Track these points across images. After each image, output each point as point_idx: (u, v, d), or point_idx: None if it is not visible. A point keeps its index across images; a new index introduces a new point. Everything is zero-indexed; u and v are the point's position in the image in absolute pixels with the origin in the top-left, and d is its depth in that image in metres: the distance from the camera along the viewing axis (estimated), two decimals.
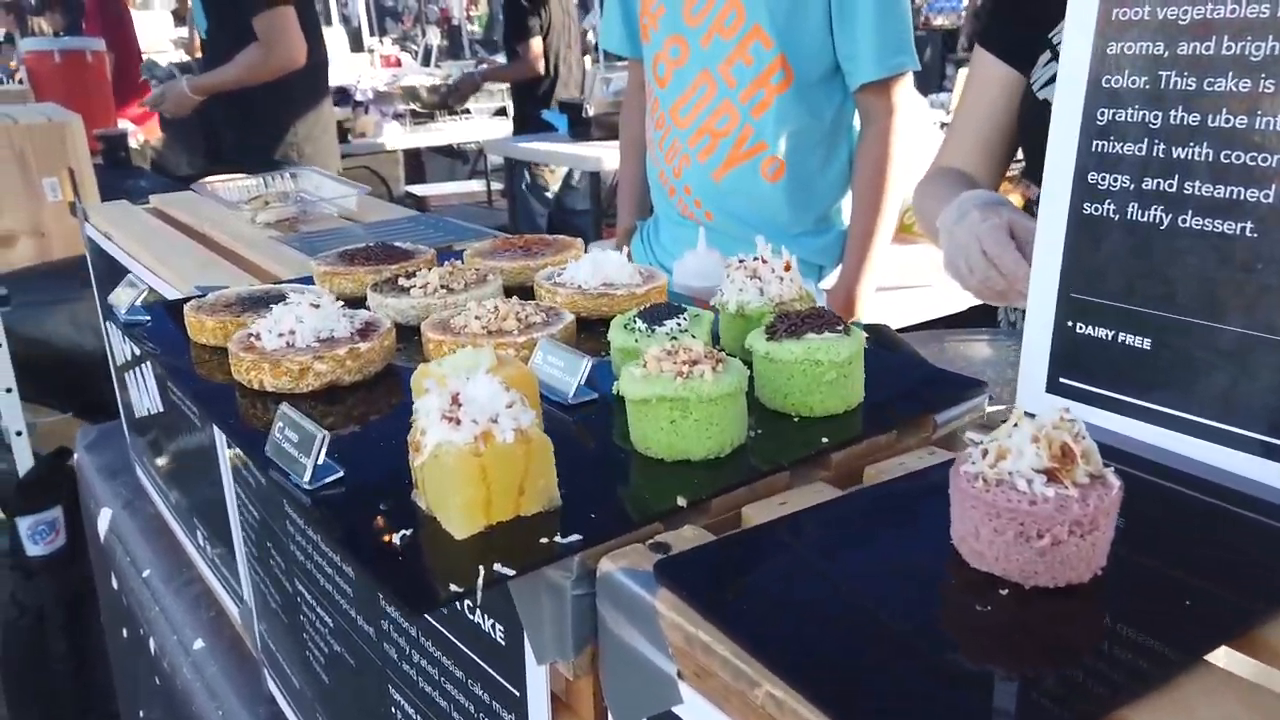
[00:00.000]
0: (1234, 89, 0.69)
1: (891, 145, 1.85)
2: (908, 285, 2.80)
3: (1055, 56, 1.48)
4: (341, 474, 0.74)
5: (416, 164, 7.60)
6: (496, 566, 0.62)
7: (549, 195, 5.04)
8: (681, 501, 0.70)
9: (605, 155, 4.06)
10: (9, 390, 2.89)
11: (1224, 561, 0.63)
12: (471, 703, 0.78)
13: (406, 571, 0.64)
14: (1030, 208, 1.74)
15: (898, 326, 2.88)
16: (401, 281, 1.10)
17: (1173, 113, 0.73)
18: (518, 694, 0.72)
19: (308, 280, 1.26)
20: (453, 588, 0.61)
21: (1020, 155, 1.68)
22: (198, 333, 1.04)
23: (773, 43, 1.77)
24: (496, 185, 6.69)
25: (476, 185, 7.27)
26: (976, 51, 1.61)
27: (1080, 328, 0.81)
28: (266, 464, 0.78)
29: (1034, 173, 1.73)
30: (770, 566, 0.63)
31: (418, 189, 6.97)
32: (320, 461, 0.73)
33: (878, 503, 0.70)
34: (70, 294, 3.33)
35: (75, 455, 2.22)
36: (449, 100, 5.96)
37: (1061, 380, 0.83)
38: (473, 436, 0.65)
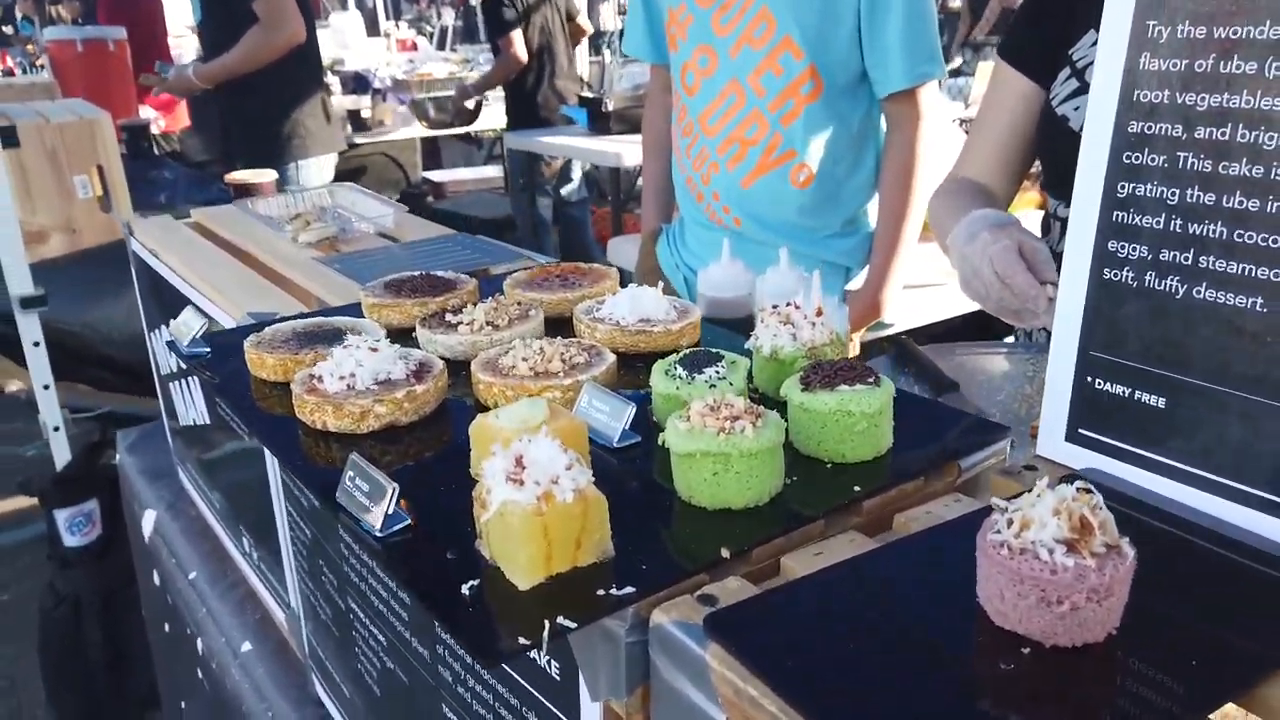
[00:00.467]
0: (1248, 174, 0.74)
1: (918, 151, 1.90)
2: (925, 284, 2.84)
3: (1075, 73, 1.52)
4: (409, 523, 0.80)
5: (433, 149, 7.65)
6: (559, 620, 0.68)
7: (549, 188, 5.10)
8: (725, 553, 0.75)
9: (625, 150, 4.10)
10: (46, 387, 2.96)
11: (1230, 616, 0.69)
12: None
13: (476, 622, 0.70)
14: (1047, 218, 1.78)
15: (915, 325, 2.92)
16: (449, 318, 1.16)
17: (1189, 191, 0.77)
18: None
19: (355, 308, 1.31)
20: (521, 641, 0.67)
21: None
22: (258, 368, 1.10)
23: (803, 54, 1.80)
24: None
25: (493, 170, 7.31)
26: (998, 64, 1.64)
27: (1099, 384, 0.86)
28: (337, 509, 0.84)
29: (1051, 184, 1.77)
30: (811, 622, 0.68)
31: (435, 175, 7.03)
32: (390, 511, 0.79)
33: (909, 558, 0.75)
34: (106, 282, 3.40)
35: (117, 456, 2.29)
36: (454, 120, 6.00)
37: (1080, 431, 0.88)
38: (535, 497, 0.71)
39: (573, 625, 0.68)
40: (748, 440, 0.80)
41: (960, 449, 0.92)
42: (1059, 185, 1.79)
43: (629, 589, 0.71)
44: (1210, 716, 0.60)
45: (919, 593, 0.71)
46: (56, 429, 3.02)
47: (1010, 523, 0.66)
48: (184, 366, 1.24)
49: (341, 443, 0.96)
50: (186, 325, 1.20)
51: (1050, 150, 1.73)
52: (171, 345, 1.23)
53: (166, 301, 1.74)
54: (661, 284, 1.21)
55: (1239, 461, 0.77)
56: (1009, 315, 1.28)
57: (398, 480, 0.81)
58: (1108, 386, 0.85)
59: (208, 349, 1.20)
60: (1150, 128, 0.79)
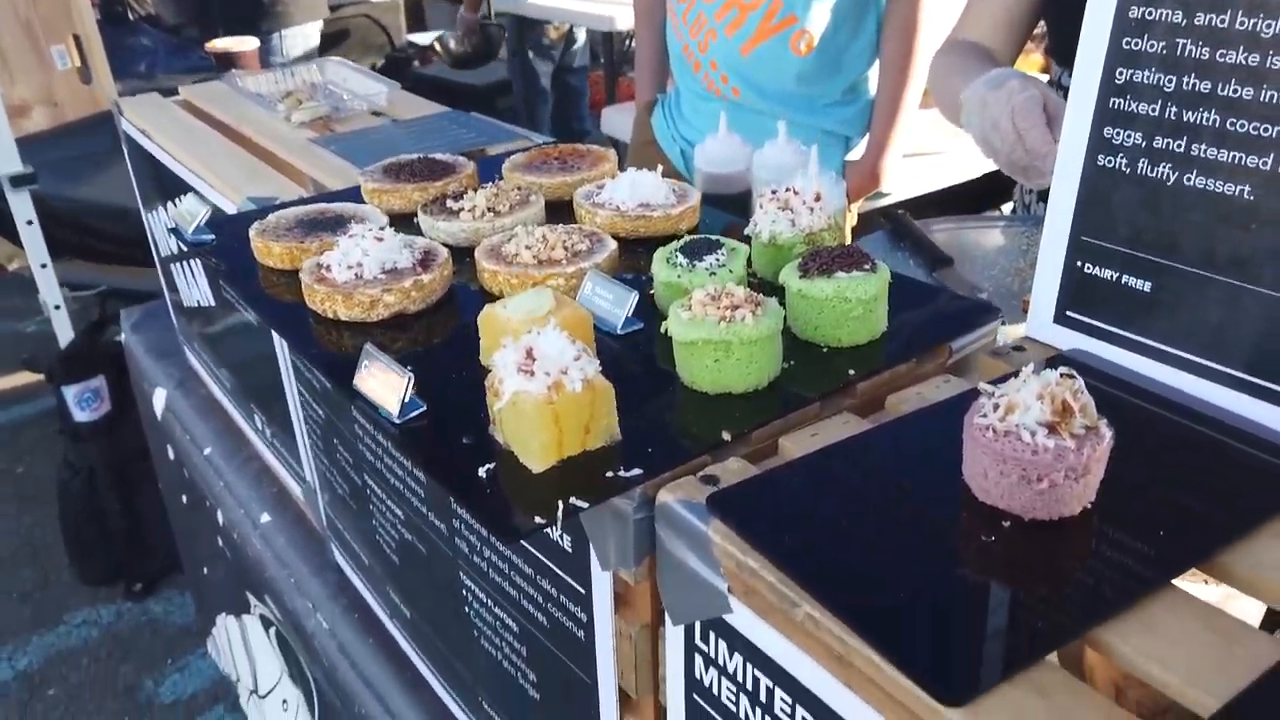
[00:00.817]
0: (1244, 61, 0.74)
1: (920, 16, 1.86)
2: (924, 152, 2.83)
3: None
4: (425, 409, 0.84)
5: (418, 10, 7.39)
6: (572, 500, 0.73)
7: (554, 54, 4.93)
8: (726, 436, 0.79)
9: (618, 14, 3.98)
10: (44, 265, 2.97)
11: (1200, 490, 0.73)
12: (541, 595, 0.91)
13: (494, 503, 0.74)
14: (1052, 85, 1.76)
15: (914, 195, 2.91)
16: (450, 204, 1.17)
17: (1186, 78, 0.78)
18: (584, 591, 0.84)
19: (355, 192, 1.32)
20: (537, 520, 0.71)
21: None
22: (264, 256, 1.12)
23: None
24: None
25: None
26: None
27: (1088, 268, 0.89)
28: (354, 396, 0.87)
29: (1057, 49, 1.74)
30: (807, 499, 0.73)
31: (419, 37, 6.81)
32: (407, 399, 0.82)
33: (898, 439, 0.80)
34: (94, 155, 3.36)
35: (122, 335, 2.32)
36: (469, 45, 5.30)
37: (1068, 313, 0.91)
38: (545, 387, 0.74)
39: (584, 505, 0.73)
40: (748, 328, 0.83)
41: (951, 331, 0.95)
42: (1064, 51, 1.75)
43: (636, 470, 0.76)
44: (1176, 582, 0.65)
45: (908, 472, 0.75)
46: (57, 307, 3.05)
47: (996, 407, 0.69)
48: (186, 250, 1.25)
49: (352, 330, 0.99)
50: (190, 213, 1.21)
51: (1057, 15, 1.69)
52: (175, 232, 1.24)
53: (163, 183, 1.74)
54: (661, 167, 1.21)
55: (1218, 343, 0.81)
56: (1018, 172, 1.26)
57: (413, 369, 0.85)
58: (1096, 270, 0.88)
59: (212, 236, 1.22)
60: (1150, 13, 0.79)
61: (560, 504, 0.72)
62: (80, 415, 3.04)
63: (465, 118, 1.66)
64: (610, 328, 0.96)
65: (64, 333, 3.06)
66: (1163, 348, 0.85)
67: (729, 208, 1.65)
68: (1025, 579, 0.66)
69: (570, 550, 0.84)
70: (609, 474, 0.76)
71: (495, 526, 0.72)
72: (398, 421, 0.83)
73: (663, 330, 0.87)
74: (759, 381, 0.86)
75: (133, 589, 3.29)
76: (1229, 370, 0.81)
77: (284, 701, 1.98)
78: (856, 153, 2.09)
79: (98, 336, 3.06)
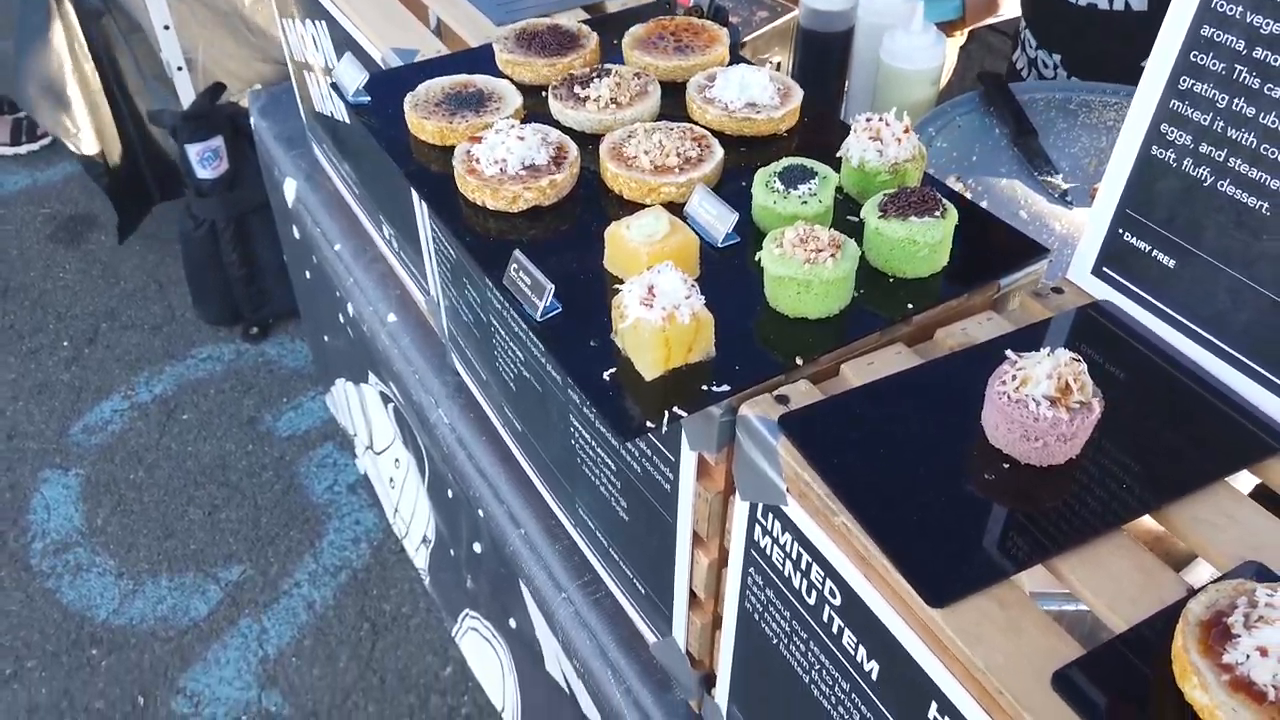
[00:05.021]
0: None
1: None
2: None
3: None
4: (561, 310, 1.05)
5: None
6: (674, 409, 0.95)
7: None
8: (799, 361, 1.00)
9: None
10: (166, 27, 3.11)
11: (1172, 449, 0.93)
12: (638, 451, 1.15)
13: (615, 404, 0.97)
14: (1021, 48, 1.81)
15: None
16: (577, 90, 1.32)
17: (1236, 100, 0.90)
18: (673, 458, 1.08)
19: (488, 51, 1.46)
20: (648, 424, 0.94)
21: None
22: (418, 130, 1.30)
23: None
24: None
25: None
26: None
27: (1127, 236, 1.03)
28: (504, 292, 1.08)
29: (1036, 28, 1.77)
30: (856, 428, 0.94)
31: None
32: (548, 304, 1.03)
33: (936, 379, 0.99)
34: None
35: (252, 120, 2.50)
36: None
37: (1105, 270, 1.07)
38: (661, 317, 0.94)
39: (684, 414, 0.95)
40: (827, 270, 1.01)
41: (1002, 269, 1.11)
42: (1043, 32, 1.80)
43: (725, 386, 0.97)
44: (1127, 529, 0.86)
45: (939, 410, 0.96)
46: (180, 68, 3.22)
47: (1014, 377, 0.88)
48: (347, 109, 1.42)
49: (496, 218, 1.19)
50: (350, 76, 1.37)
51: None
52: (335, 89, 1.41)
53: None
54: (768, 66, 1.33)
55: (1221, 323, 0.97)
56: None
57: (544, 265, 1.05)
58: (1133, 240, 1.03)
59: (368, 98, 1.39)
60: (1219, 35, 0.90)
61: (666, 413, 0.94)
62: (202, 173, 3.28)
63: None
64: (713, 240, 1.14)
65: (187, 94, 3.25)
66: (1177, 316, 1.01)
67: (830, 45, 1.75)
68: (1010, 512, 0.88)
69: (665, 429, 1.07)
70: (704, 387, 0.97)
71: (614, 424, 0.95)
72: (539, 320, 1.04)
73: (756, 259, 1.05)
74: (831, 310, 1.05)
75: (250, 331, 3.67)
76: (1226, 347, 0.97)
77: (396, 460, 2.33)
78: None
79: (216, 98, 3.25)
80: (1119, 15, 1.84)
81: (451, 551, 2.08)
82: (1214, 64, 0.91)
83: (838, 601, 0.91)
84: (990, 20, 2.18)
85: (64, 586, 2.85)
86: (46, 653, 2.68)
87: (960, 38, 2.26)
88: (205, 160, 3.28)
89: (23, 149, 4.53)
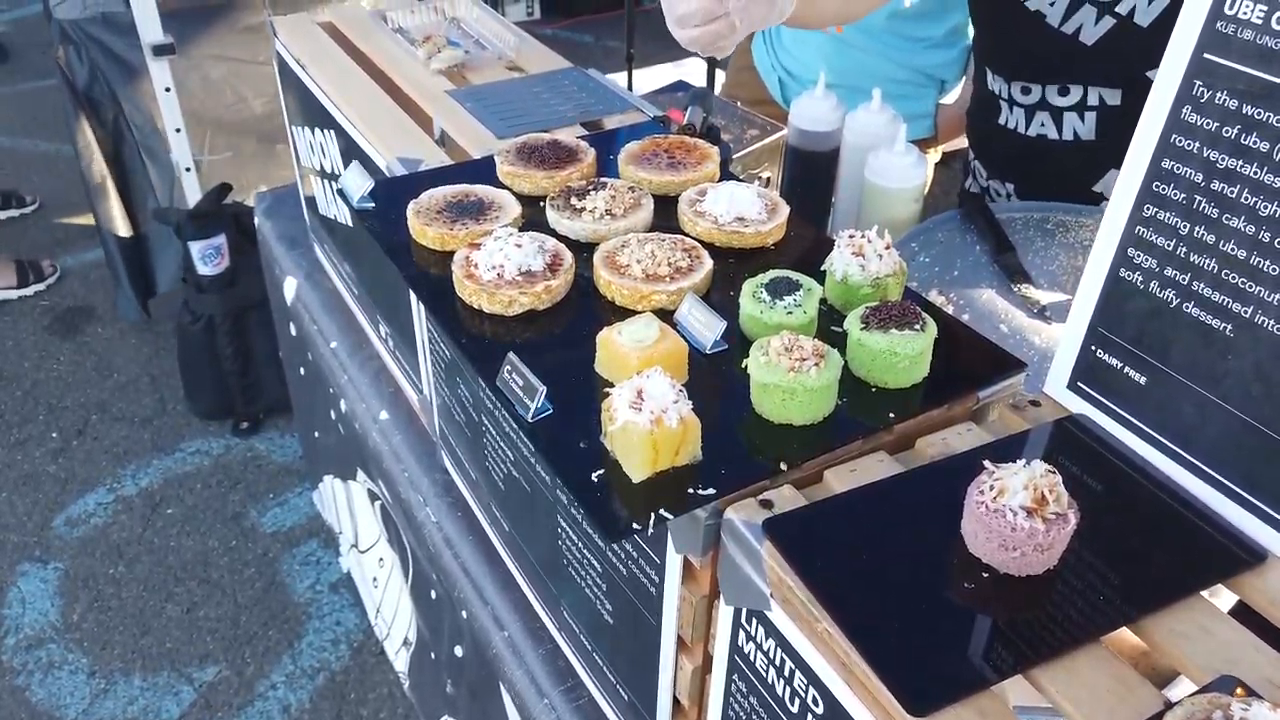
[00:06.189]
0: (1242, 229, 0.91)
1: None
2: None
3: None
4: (552, 411, 1.08)
5: None
6: (661, 511, 0.97)
7: None
8: (784, 466, 1.02)
9: None
10: (178, 130, 3.22)
11: (1148, 560, 0.95)
12: (624, 554, 1.16)
13: (602, 505, 0.99)
14: (989, 96, 1.90)
15: None
16: (574, 201, 1.38)
17: (1196, 228, 0.95)
18: (659, 561, 1.09)
19: (490, 165, 1.52)
20: (635, 525, 0.96)
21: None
22: (419, 236, 1.35)
23: None
24: None
25: None
26: None
27: (1099, 353, 1.07)
28: (496, 391, 1.11)
29: (995, 61, 1.87)
30: (838, 534, 0.96)
31: None
32: (539, 405, 1.06)
33: (917, 488, 1.02)
34: (230, 43, 3.54)
35: (256, 219, 2.57)
36: None
37: (1079, 384, 1.10)
38: (649, 421, 0.97)
39: (670, 516, 0.97)
40: (811, 379, 1.04)
41: (980, 381, 1.15)
42: (1005, 64, 1.89)
43: (710, 490, 0.99)
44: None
45: (920, 518, 0.98)
46: (188, 169, 3.31)
47: (991, 488, 0.91)
48: (351, 214, 1.48)
49: (492, 321, 1.23)
50: (355, 182, 1.43)
51: (994, 28, 1.80)
52: (341, 194, 1.47)
53: (309, 109, 1.95)
54: (757, 182, 1.39)
55: (1190, 438, 1.00)
56: (709, 42, 1.34)
57: (537, 367, 1.08)
58: (1105, 357, 1.07)
59: (372, 203, 1.44)
60: (1179, 168, 0.95)
61: (652, 515, 0.96)
62: (203, 269, 3.35)
63: (585, 79, 1.83)
64: (701, 347, 1.17)
65: (193, 193, 3.34)
66: (1149, 431, 1.04)
67: (817, 163, 1.83)
68: (991, 622, 0.89)
69: (651, 531, 1.08)
70: (690, 490, 0.99)
71: (601, 526, 0.97)
72: (530, 421, 1.07)
73: (743, 366, 1.08)
74: (815, 418, 1.07)
75: (240, 426, 3.68)
76: (1197, 462, 1.00)
77: (380, 560, 2.32)
78: (950, 97, 2.20)
79: (221, 199, 3.34)
80: (1069, 145, 1.88)
81: (432, 654, 2.06)
82: (1175, 194, 0.96)
83: (820, 710, 0.91)
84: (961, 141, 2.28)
85: (34, 684, 2.78)
86: None
87: (935, 154, 2.36)
88: (207, 257, 3.34)
89: (29, 290, 4.32)
